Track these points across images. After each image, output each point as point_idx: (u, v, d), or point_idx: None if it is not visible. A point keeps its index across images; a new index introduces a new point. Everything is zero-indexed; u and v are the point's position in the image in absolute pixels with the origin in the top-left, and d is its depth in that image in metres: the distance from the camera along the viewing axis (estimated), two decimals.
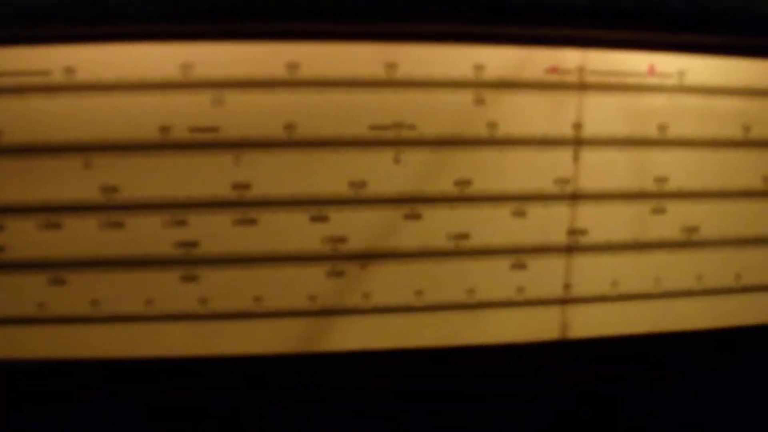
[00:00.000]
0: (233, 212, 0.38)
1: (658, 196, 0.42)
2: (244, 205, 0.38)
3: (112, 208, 0.38)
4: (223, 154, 0.38)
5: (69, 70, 0.36)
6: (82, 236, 0.38)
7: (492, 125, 0.39)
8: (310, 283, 0.39)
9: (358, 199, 0.39)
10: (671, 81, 0.41)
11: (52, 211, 0.38)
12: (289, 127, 0.38)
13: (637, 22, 0.39)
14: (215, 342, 0.40)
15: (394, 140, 0.38)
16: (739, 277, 0.44)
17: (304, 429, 0.40)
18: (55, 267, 0.38)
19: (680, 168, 0.42)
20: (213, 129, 0.37)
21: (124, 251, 0.38)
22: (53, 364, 0.39)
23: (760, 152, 0.43)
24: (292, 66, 0.37)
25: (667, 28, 0.39)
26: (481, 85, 0.39)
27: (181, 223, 0.38)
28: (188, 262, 0.39)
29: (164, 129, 0.37)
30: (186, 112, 0.37)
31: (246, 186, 0.38)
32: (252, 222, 0.38)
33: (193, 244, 0.38)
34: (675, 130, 0.41)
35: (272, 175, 0.38)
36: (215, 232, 0.38)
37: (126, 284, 0.39)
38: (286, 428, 0.40)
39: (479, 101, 0.39)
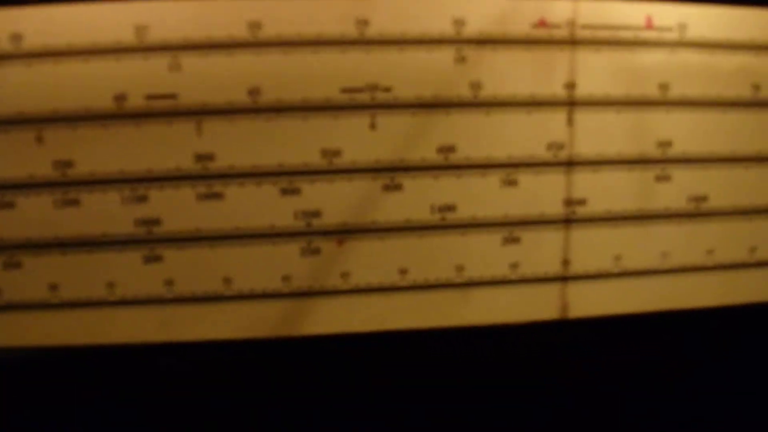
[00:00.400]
0: (197, 186, 0.32)
1: (661, 161, 0.34)
2: (208, 177, 0.32)
3: (67, 185, 0.32)
4: (183, 122, 0.31)
5: (15, 37, 0.30)
6: (37, 216, 0.32)
7: (475, 86, 0.32)
8: (283, 263, 0.33)
9: (331, 169, 0.32)
10: (671, 35, 0.34)
11: (2, 190, 0.31)
12: (254, 92, 0.31)
13: None
14: (183, 327, 0.33)
15: (368, 104, 0.32)
16: (754, 251, 0.36)
17: (280, 420, 0.33)
18: (9, 249, 0.32)
19: (685, 131, 0.35)
20: (171, 96, 0.31)
21: (81, 231, 0.32)
22: (10, 354, 0.32)
23: None
24: (254, 25, 0.31)
25: None
26: (462, 42, 0.32)
27: (142, 199, 0.32)
28: (151, 241, 0.32)
29: (119, 97, 0.31)
30: (142, 78, 0.31)
31: (209, 157, 0.31)
32: (217, 196, 0.32)
33: (155, 222, 0.32)
34: (677, 90, 0.34)
35: (237, 144, 0.31)
36: (178, 208, 0.32)
37: (85, 267, 0.33)
38: (261, 418, 0.33)
39: (460, 59, 0.32)
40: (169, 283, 0.34)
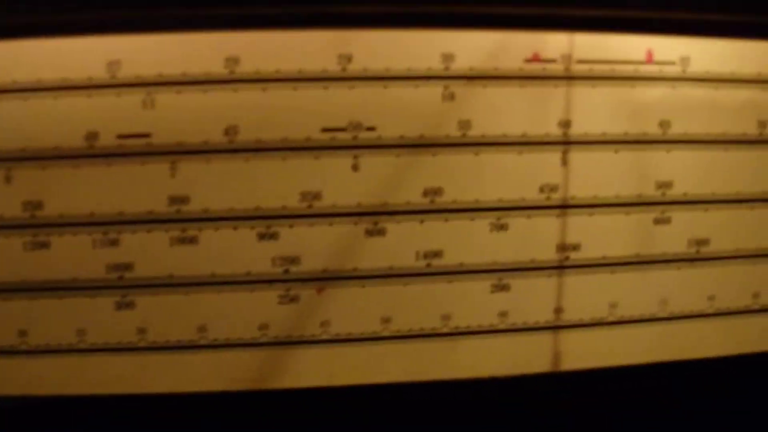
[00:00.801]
0: (171, 230, 0.29)
1: (661, 203, 0.32)
2: (182, 221, 0.30)
3: (37, 227, 0.30)
4: (156, 163, 0.29)
5: None
6: (5, 259, 0.30)
7: (464, 124, 0.30)
8: (260, 310, 0.31)
9: (311, 213, 0.30)
10: (673, 69, 0.31)
11: None
12: (231, 131, 0.29)
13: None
14: (155, 377, 0.31)
15: (351, 144, 0.30)
16: (757, 297, 0.34)
17: None
18: None
19: (686, 171, 0.32)
20: (144, 135, 0.29)
21: (51, 275, 0.30)
22: None
23: None
24: (231, 61, 0.29)
25: (668, 6, 0.29)
26: (450, 78, 0.30)
27: (113, 242, 0.30)
28: (123, 286, 0.30)
29: (90, 136, 0.29)
30: (114, 116, 0.29)
31: (184, 199, 0.30)
32: (192, 241, 0.30)
33: (128, 267, 0.30)
34: (679, 127, 0.32)
35: (213, 186, 0.30)
36: (151, 253, 0.30)
37: (55, 312, 0.30)
38: None
39: (449, 97, 0.30)
40: (142, 330, 0.32)
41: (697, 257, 0.35)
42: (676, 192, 0.34)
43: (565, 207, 0.33)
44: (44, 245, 0.31)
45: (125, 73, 0.30)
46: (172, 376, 0.33)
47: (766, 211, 0.35)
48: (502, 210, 0.32)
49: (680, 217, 0.34)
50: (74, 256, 0.31)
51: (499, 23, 0.30)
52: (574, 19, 0.31)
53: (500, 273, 0.33)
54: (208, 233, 0.31)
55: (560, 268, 0.34)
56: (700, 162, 0.34)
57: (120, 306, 0.32)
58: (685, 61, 0.33)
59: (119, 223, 0.31)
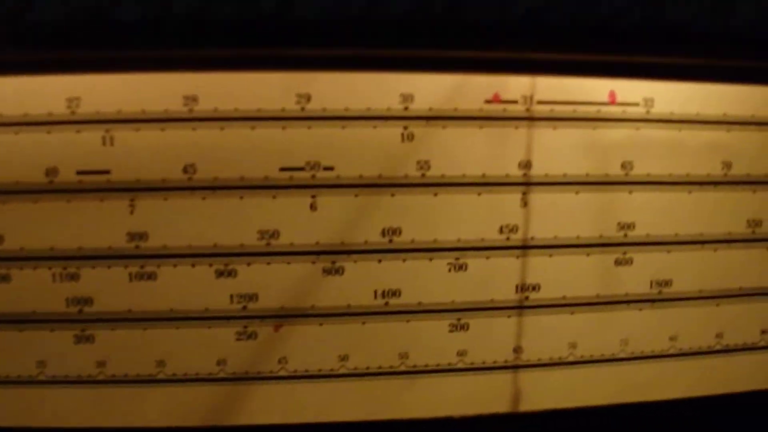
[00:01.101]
0: (130, 265, 0.29)
1: (623, 244, 0.32)
2: (141, 257, 0.30)
3: None
4: (116, 199, 0.29)
5: None
6: None
7: (423, 165, 0.30)
8: (218, 346, 0.31)
9: (269, 251, 0.30)
10: (637, 110, 0.31)
11: None
12: (189, 168, 0.29)
13: (594, 43, 0.29)
14: (114, 411, 0.31)
15: (309, 183, 0.30)
16: (720, 337, 0.34)
17: None
18: None
19: (649, 212, 0.32)
20: (104, 171, 0.29)
21: (10, 308, 0.30)
22: None
23: (742, 192, 0.32)
24: (190, 99, 0.28)
25: (630, 50, 0.29)
26: (409, 118, 0.30)
27: (73, 276, 0.29)
28: (82, 320, 0.30)
29: (50, 171, 0.29)
30: (73, 152, 0.29)
31: (143, 236, 0.29)
32: (151, 276, 0.30)
33: (87, 301, 0.30)
34: (642, 168, 0.32)
35: (171, 223, 0.30)
36: (111, 288, 0.30)
37: (14, 345, 0.30)
38: None
39: (408, 137, 0.30)
40: (101, 364, 0.32)
41: (659, 298, 0.34)
42: (638, 233, 0.34)
43: (525, 248, 0.33)
44: (4, 278, 0.31)
45: (85, 109, 0.30)
46: (130, 410, 0.33)
47: (729, 252, 0.35)
48: (460, 250, 0.32)
49: (642, 258, 0.34)
50: (34, 289, 0.31)
51: (458, 67, 0.30)
52: (535, 63, 0.30)
53: (459, 312, 0.33)
54: (166, 269, 0.31)
55: (520, 308, 0.33)
56: (663, 203, 0.33)
57: (79, 339, 0.32)
58: (648, 102, 0.33)
59: (79, 258, 0.31)
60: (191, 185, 0.31)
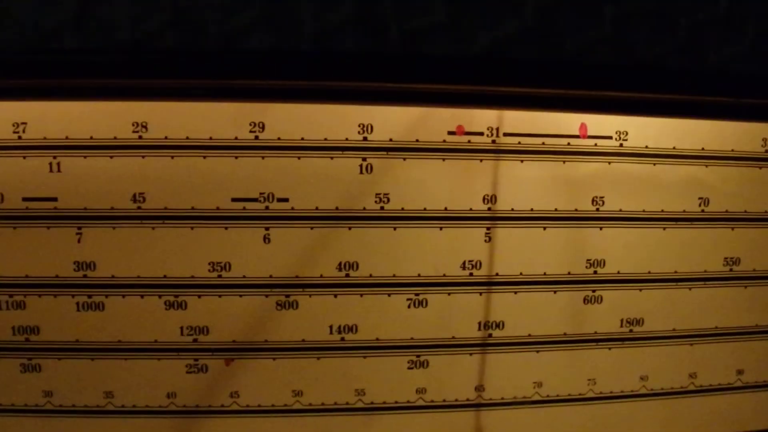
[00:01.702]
0: (77, 295, 0.28)
1: (592, 281, 0.30)
2: (89, 286, 0.28)
3: None
4: (63, 227, 0.28)
5: None
6: None
7: (382, 198, 0.28)
8: (168, 379, 0.30)
9: (220, 284, 0.28)
10: (609, 144, 0.30)
11: None
12: (138, 197, 0.27)
13: (563, 79, 0.27)
14: None
15: (262, 215, 0.28)
16: (694, 377, 0.32)
17: None
18: None
19: (620, 249, 0.31)
20: (51, 198, 0.27)
21: None
22: None
23: (720, 229, 0.31)
24: (140, 126, 0.27)
25: (600, 86, 0.28)
26: (368, 149, 0.28)
27: (19, 305, 0.28)
28: (28, 349, 0.29)
29: None
30: (20, 178, 0.28)
31: (90, 265, 0.28)
32: (98, 307, 0.28)
33: (34, 330, 0.29)
34: (613, 204, 0.30)
35: (120, 253, 0.28)
36: (57, 317, 0.29)
37: None
38: None
39: (367, 169, 0.28)
40: (48, 394, 0.31)
41: (629, 337, 0.33)
42: (608, 270, 0.32)
43: (489, 284, 0.31)
44: None
45: (31, 135, 0.29)
46: None
47: (705, 291, 0.33)
48: (421, 286, 0.31)
49: (613, 296, 0.32)
50: None
51: (419, 100, 0.29)
52: (501, 98, 0.29)
53: (418, 349, 0.32)
54: (115, 300, 0.30)
55: (483, 345, 0.32)
56: (636, 240, 0.32)
57: (26, 368, 0.31)
58: (622, 135, 0.31)
59: (25, 287, 0.30)
60: (140, 214, 0.29)
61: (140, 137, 0.29)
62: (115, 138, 0.29)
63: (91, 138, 0.29)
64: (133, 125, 0.29)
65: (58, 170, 0.29)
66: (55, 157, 0.29)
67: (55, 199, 0.29)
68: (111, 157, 0.29)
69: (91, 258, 0.30)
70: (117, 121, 0.29)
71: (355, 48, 0.26)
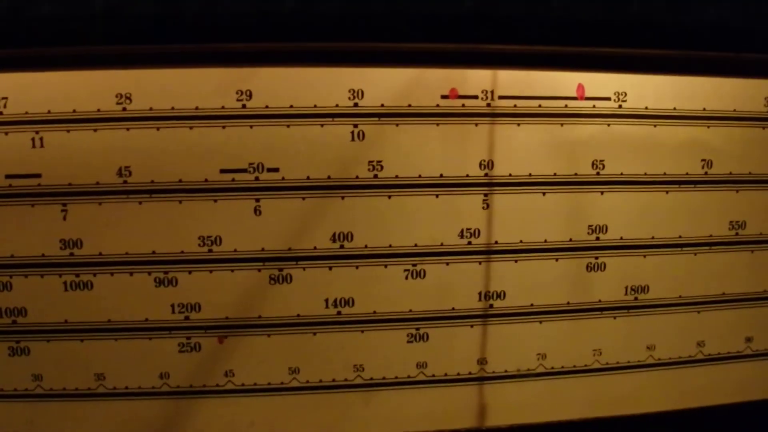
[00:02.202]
0: (64, 274, 0.27)
1: (594, 248, 0.29)
2: (76, 265, 0.27)
3: None
4: (47, 205, 0.27)
5: None
6: None
7: (375, 165, 0.27)
8: (160, 359, 0.29)
9: (211, 258, 0.27)
10: (608, 105, 0.28)
11: None
12: (124, 172, 0.27)
13: (559, 35, 0.26)
14: (52, 426, 0.28)
15: (252, 186, 0.27)
16: (702, 346, 0.31)
17: None
18: None
19: (622, 214, 0.30)
20: (34, 175, 0.26)
21: None
22: None
23: (724, 192, 0.30)
24: (124, 97, 0.26)
25: (598, 42, 0.27)
26: (360, 116, 0.27)
27: (5, 286, 0.27)
28: (16, 331, 0.28)
29: None
30: (2, 155, 0.27)
31: (77, 243, 0.27)
32: (86, 286, 0.27)
33: (21, 312, 0.28)
34: (614, 168, 0.29)
35: (107, 229, 0.27)
36: (45, 298, 0.28)
37: None
38: None
39: (358, 136, 0.27)
40: (38, 377, 0.30)
41: (635, 305, 0.32)
42: (611, 236, 0.31)
43: (488, 253, 0.30)
44: None
45: (12, 109, 0.28)
46: (69, 425, 0.30)
47: (711, 256, 0.32)
48: (418, 256, 0.30)
49: (616, 263, 0.31)
50: None
51: (411, 60, 0.28)
52: (494, 55, 0.28)
53: (417, 322, 0.30)
54: (103, 278, 0.29)
55: (484, 317, 0.31)
56: (638, 204, 0.31)
57: (14, 351, 0.30)
58: (620, 96, 0.30)
59: (11, 267, 0.29)
60: (126, 189, 0.28)
61: (124, 109, 0.28)
62: (98, 110, 0.28)
63: (74, 111, 0.28)
64: (116, 96, 0.28)
65: (41, 145, 0.28)
66: (37, 132, 0.28)
67: (39, 176, 0.28)
68: (95, 130, 0.28)
69: (77, 235, 0.29)
70: (100, 92, 0.28)
71: (340, 7, 0.25)
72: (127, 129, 0.28)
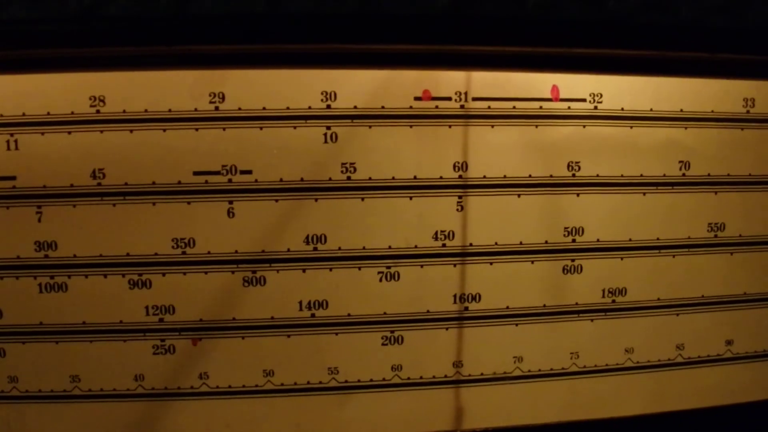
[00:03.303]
0: (39, 276, 0.27)
1: (570, 250, 0.29)
2: (50, 267, 0.27)
3: None
4: (22, 207, 0.27)
5: None
6: None
7: (349, 167, 0.27)
8: (135, 361, 0.28)
9: (185, 260, 0.27)
10: (583, 107, 0.28)
11: None
12: (98, 174, 0.26)
13: (534, 36, 0.26)
14: (28, 427, 0.28)
15: (225, 188, 0.27)
16: (681, 349, 0.31)
17: None
18: None
19: (599, 216, 0.29)
20: (9, 177, 0.26)
21: None
22: None
23: (703, 193, 0.29)
24: (98, 100, 0.26)
25: (573, 43, 0.26)
26: (332, 118, 0.27)
27: None
28: None
29: None
30: None
31: (51, 245, 0.27)
32: (61, 288, 0.27)
33: None
34: (590, 169, 0.29)
35: (81, 231, 0.27)
36: (19, 300, 0.28)
37: None
38: None
39: (331, 138, 0.27)
40: (13, 379, 0.30)
41: (612, 307, 0.31)
42: (587, 239, 0.31)
43: (463, 255, 0.30)
44: None
45: None
46: (45, 427, 0.30)
47: (689, 258, 0.31)
48: (392, 258, 0.30)
49: (593, 265, 0.31)
50: None
51: (382, 62, 0.28)
52: (467, 57, 0.28)
53: (392, 324, 0.30)
54: (77, 280, 0.29)
55: (459, 319, 0.31)
56: (615, 206, 0.31)
57: None
58: (596, 97, 0.30)
59: None
60: (101, 191, 0.28)
61: (98, 111, 0.28)
62: (72, 113, 0.28)
63: (48, 114, 0.28)
64: (90, 99, 0.28)
65: (16, 148, 0.28)
66: (12, 135, 0.28)
67: (13, 178, 0.28)
68: (69, 132, 0.28)
69: (52, 237, 0.29)
70: (74, 95, 0.28)
71: (311, 8, 0.25)
72: (101, 131, 0.28)
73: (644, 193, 0.30)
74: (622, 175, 0.30)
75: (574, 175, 0.30)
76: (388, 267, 0.30)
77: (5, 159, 0.28)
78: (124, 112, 0.28)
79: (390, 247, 0.29)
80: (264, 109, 0.28)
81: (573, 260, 0.31)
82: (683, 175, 0.31)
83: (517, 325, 0.31)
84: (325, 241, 0.29)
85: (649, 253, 0.31)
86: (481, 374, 0.31)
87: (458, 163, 0.29)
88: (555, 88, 0.29)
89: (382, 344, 0.30)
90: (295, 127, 0.28)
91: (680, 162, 0.31)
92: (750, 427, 0.32)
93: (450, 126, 0.29)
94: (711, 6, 0.27)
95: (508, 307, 0.31)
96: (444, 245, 0.30)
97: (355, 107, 0.28)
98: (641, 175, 0.30)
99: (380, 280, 0.30)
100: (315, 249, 0.29)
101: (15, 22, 0.26)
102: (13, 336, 0.29)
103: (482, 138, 0.29)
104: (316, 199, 0.29)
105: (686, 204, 0.31)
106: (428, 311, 0.30)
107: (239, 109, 0.28)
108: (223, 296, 0.29)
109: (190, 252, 0.29)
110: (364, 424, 0.31)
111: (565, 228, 0.30)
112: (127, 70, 0.27)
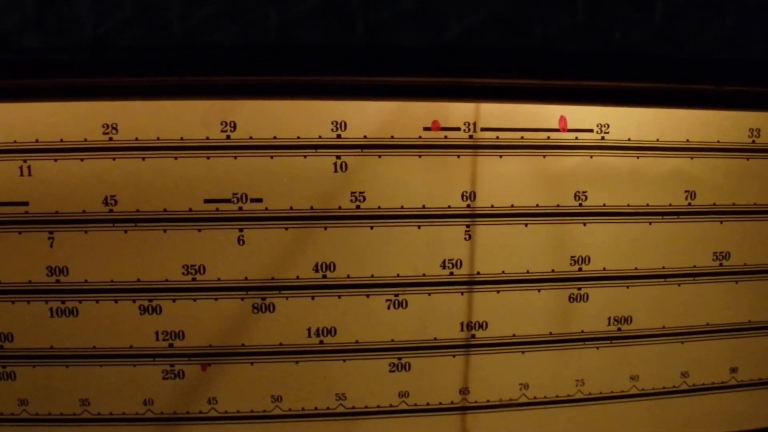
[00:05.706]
0: (50, 300, 0.27)
1: (577, 279, 0.28)
2: (62, 292, 0.27)
3: None
4: (35, 232, 0.26)
5: None
6: None
7: (358, 196, 0.27)
8: (144, 385, 0.28)
9: (195, 287, 0.27)
10: (590, 137, 0.28)
11: None
12: (110, 200, 0.26)
13: (538, 68, 0.26)
14: None
15: (236, 216, 0.27)
16: (686, 376, 0.30)
17: None
18: None
19: (605, 245, 0.29)
20: (22, 203, 0.26)
21: None
22: None
23: (708, 223, 0.29)
24: (111, 128, 0.26)
25: (581, 75, 0.26)
26: (342, 147, 0.27)
27: None
28: (2, 357, 0.28)
29: None
30: None
31: (63, 270, 0.26)
32: (72, 312, 0.27)
33: (7, 337, 0.27)
34: (597, 199, 0.28)
35: (93, 257, 0.27)
36: (31, 324, 0.27)
37: None
38: None
39: (341, 167, 0.27)
40: (24, 402, 0.29)
41: (618, 335, 0.31)
42: (593, 267, 0.30)
43: (470, 283, 0.30)
44: None
45: (0, 138, 0.28)
46: None
47: (694, 286, 0.31)
48: (400, 286, 0.29)
49: (599, 293, 0.31)
50: None
51: (392, 93, 0.27)
52: (476, 89, 0.27)
53: (399, 352, 0.30)
54: (88, 305, 0.29)
55: (466, 347, 0.30)
56: (621, 235, 0.30)
57: (0, 376, 0.29)
58: (603, 127, 0.29)
59: None
60: (112, 218, 0.28)
61: (111, 139, 0.28)
62: (85, 140, 0.28)
63: (61, 140, 0.28)
64: (103, 127, 0.28)
65: (29, 174, 0.28)
66: (25, 161, 0.28)
67: (26, 204, 0.28)
68: (82, 159, 0.28)
69: (63, 263, 0.28)
70: (87, 122, 0.28)
71: (320, 41, 0.25)
72: (113, 159, 0.28)
73: (650, 223, 0.30)
74: (628, 205, 0.30)
75: (581, 205, 0.30)
76: (396, 295, 0.29)
77: (18, 184, 0.28)
78: (136, 139, 0.28)
79: (398, 275, 0.29)
80: (275, 138, 0.28)
81: (579, 288, 0.30)
82: (689, 204, 0.30)
83: (523, 352, 0.30)
84: (334, 268, 0.29)
85: (654, 282, 0.31)
86: (488, 401, 0.31)
87: (466, 192, 0.29)
88: (563, 119, 0.29)
89: (390, 371, 0.30)
90: (305, 156, 0.28)
91: (686, 191, 0.30)
92: None
93: (458, 156, 0.29)
94: (717, 37, 0.27)
95: (514, 335, 0.30)
96: (452, 273, 0.29)
97: (365, 137, 0.28)
98: (647, 205, 0.30)
99: (388, 307, 0.29)
100: (324, 276, 0.29)
101: (28, 51, 0.26)
102: (23, 359, 0.29)
103: (490, 168, 0.29)
104: (326, 228, 0.28)
105: (692, 233, 0.31)
106: (435, 338, 0.30)
107: (250, 138, 0.28)
108: (232, 322, 0.29)
109: (200, 278, 0.28)
110: None
111: (572, 257, 0.30)
112: (139, 99, 0.27)
